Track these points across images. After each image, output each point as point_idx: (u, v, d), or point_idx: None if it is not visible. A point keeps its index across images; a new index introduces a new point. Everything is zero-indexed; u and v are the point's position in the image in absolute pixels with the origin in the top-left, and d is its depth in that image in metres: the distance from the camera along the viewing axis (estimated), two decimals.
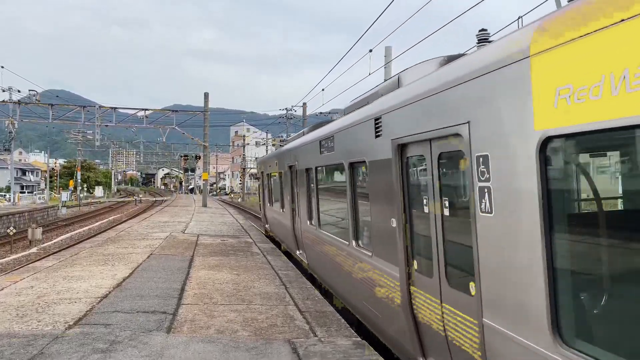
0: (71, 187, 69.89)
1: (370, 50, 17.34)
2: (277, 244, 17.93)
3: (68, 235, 28.56)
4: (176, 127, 39.67)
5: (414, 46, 15.96)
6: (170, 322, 7.14)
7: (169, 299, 8.51)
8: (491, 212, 3.69)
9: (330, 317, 7.77)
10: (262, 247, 16.27)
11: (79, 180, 71.76)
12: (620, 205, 3.06)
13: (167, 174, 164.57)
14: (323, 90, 27.34)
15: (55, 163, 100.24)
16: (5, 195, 57.20)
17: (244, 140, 78.93)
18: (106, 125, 39.78)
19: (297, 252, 13.16)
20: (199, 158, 54.20)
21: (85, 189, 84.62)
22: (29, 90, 37.94)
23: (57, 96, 49.04)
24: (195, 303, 8.34)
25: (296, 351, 6.05)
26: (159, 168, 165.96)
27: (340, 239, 8.35)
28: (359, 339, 6.79)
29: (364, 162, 6.77)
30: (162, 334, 6.61)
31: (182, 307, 8.06)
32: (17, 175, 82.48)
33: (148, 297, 8.65)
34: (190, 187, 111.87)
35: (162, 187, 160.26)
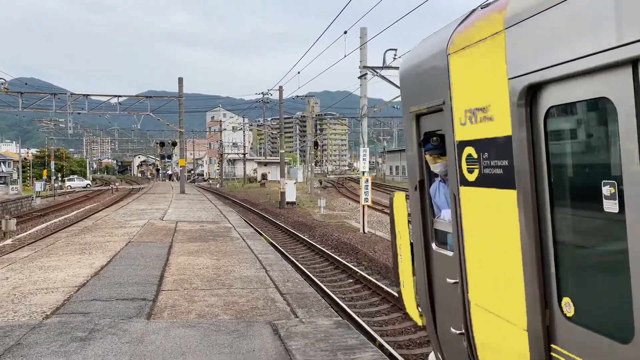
0: (45, 176, 68.56)
1: (345, 32, 17.25)
2: None
3: (43, 225, 28.10)
4: (151, 114, 39.04)
5: (389, 27, 15.95)
6: (150, 309, 7.10)
7: (149, 286, 8.45)
8: None
9: (311, 299, 7.82)
10: (241, 231, 16.23)
11: (53, 170, 70.38)
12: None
13: (144, 161, 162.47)
14: (299, 73, 27.16)
15: (28, 153, 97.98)
16: None
17: (220, 125, 78.23)
18: (78, 113, 38.88)
19: None
20: (176, 145, 53.51)
21: (60, 179, 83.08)
22: None
23: (27, 84, 47.76)
24: (175, 289, 8.30)
25: (277, 332, 6.08)
26: (135, 155, 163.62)
27: None
28: (339, 318, 6.86)
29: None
30: (142, 320, 6.57)
31: (162, 293, 8.01)
32: None
33: (127, 284, 8.58)
34: (169, 173, 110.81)
35: (139, 174, 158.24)
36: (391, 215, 4.51)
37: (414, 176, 4.19)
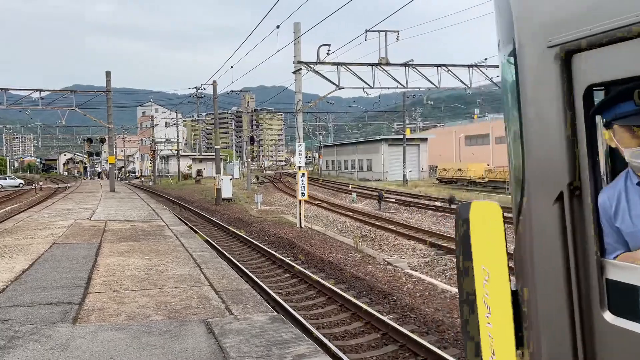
0: None
1: (278, 27, 17.16)
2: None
3: None
4: (77, 109, 37.23)
5: (321, 21, 16.04)
6: (76, 312, 6.79)
7: (75, 289, 8.08)
8: None
9: (247, 295, 7.76)
10: (175, 230, 15.85)
11: None
12: None
13: (70, 159, 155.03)
14: (232, 67, 26.74)
15: None
16: None
17: (152, 121, 75.84)
18: None
19: None
20: (104, 141, 51.41)
21: None
22: None
23: None
24: (103, 291, 7.98)
25: (212, 330, 5.99)
26: (61, 153, 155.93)
27: None
28: (275, 313, 6.85)
29: None
30: (68, 325, 6.28)
31: (89, 296, 7.68)
32: None
33: (51, 288, 8.16)
34: (98, 171, 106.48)
35: (66, 173, 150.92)
36: (462, 240, 1.87)
37: (552, 176, 1.64)
